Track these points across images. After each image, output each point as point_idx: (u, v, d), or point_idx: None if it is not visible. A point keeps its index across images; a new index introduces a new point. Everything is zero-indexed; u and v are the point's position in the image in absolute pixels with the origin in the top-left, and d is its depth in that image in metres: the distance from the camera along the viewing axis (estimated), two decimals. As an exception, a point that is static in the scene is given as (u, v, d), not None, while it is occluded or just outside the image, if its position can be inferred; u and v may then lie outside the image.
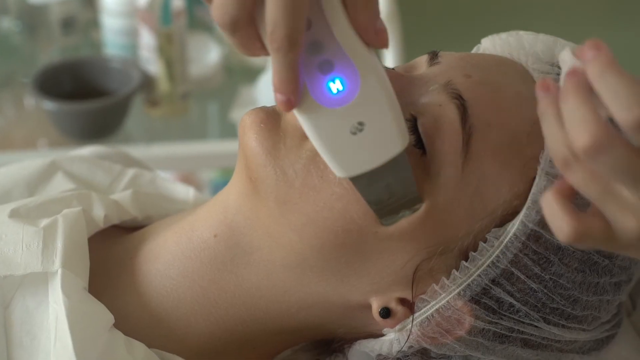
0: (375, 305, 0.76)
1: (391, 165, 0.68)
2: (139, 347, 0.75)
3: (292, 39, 0.61)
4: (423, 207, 0.73)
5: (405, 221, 0.73)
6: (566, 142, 0.59)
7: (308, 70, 0.66)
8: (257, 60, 1.93)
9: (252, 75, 1.89)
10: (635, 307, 0.91)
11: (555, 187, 0.61)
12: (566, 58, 0.64)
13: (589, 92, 0.58)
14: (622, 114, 0.57)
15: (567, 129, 0.59)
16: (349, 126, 0.66)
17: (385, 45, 0.66)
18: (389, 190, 0.71)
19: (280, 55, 0.62)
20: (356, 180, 0.70)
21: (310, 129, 0.67)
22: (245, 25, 0.63)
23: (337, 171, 0.68)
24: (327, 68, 0.66)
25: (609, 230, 0.60)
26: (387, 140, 0.67)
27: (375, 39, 0.65)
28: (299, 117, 0.67)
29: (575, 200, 0.61)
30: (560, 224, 0.61)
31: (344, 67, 0.66)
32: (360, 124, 0.66)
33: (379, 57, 0.67)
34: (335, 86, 0.66)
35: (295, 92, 0.64)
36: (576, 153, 0.59)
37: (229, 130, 1.84)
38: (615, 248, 0.62)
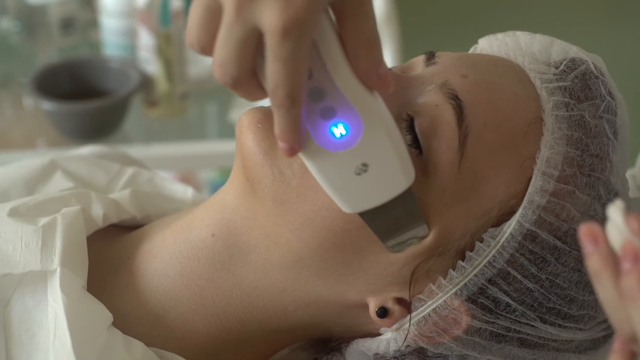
0: (373, 305, 0.76)
1: (397, 201, 0.69)
2: (138, 346, 0.76)
3: (294, 96, 0.62)
4: (431, 236, 0.74)
5: (413, 248, 0.74)
6: (631, 322, 0.59)
7: (310, 116, 0.66)
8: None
9: (250, 75, 1.89)
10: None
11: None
12: (615, 218, 0.62)
13: None
14: None
15: (628, 310, 0.58)
16: (353, 168, 0.67)
17: (388, 89, 0.66)
18: (397, 223, 0.72)
19: (282, 112, 0.63)
20: (363, 214, 0.70)
21: (315, 171, 0.68)
22: (247, 81, 0.63)
23: (344, 208, 0.69)
24: (329, 114, 0.66)
25: None
26: (392, 179, 0.68)
27: (377, 84, 0.65)
28: (304, 160, 0.68)
29: None
30: None
31: (345, 113, 0.66)
32: (365, 165, 0.67)
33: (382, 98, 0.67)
34: (339, 130, 0.67)
35: (297, 141, 0.65)
36: None
37: (228, 131, 1.84)
38: None
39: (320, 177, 0.68)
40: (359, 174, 0.68)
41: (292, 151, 0.65)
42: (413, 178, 0.69)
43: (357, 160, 0.67)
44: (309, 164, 0.68)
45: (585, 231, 0.60)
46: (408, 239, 0.73)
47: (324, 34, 0.63)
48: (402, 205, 0.70)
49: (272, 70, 0.61)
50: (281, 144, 0.65)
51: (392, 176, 0.68)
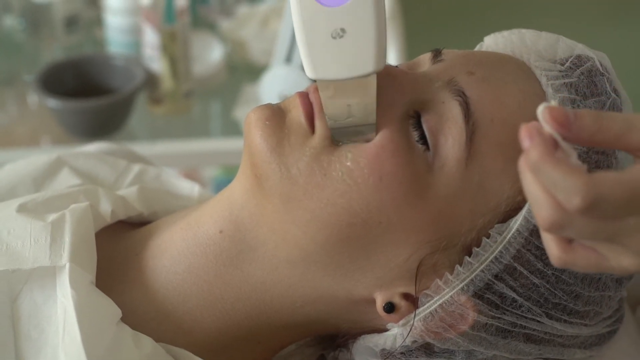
0: (379, 300, 0.77)
1: (358, 85, 0.70)
2: (147, 341, 0.76)
3: None
4: (376, 139, 0.74)
5: (355, 151, 0.74)
6: (554, 207, 0.59)
7: None
8: (260, 58, 1.93)
9: (255, 73, 1.89)
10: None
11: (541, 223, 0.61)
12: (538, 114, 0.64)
13: (555, 154, 0.59)
14: (564, 204, 0.58)
15: (554, 195, 0.59)
16: (331, 29, 0.68)
17: None
18: (349, 110, 0.72)
19: None
20: (323, 86, 0.71)
21: (297, 16, 0.69)
22: None
23: (307, 69, 0.70)
24: None
25: (601, 261, 0.62)
26: (363, 57, 0.69)
27: None
28: (291, 1, 0.69)
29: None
30: (549, 251, 0.63)
31: None
32: (343, 30, 0.68)
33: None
34: None
35: None
36: (570, 215, 0.59)
37: (232, 128, 1.84)
38: (607, 272, 0.64)
39: (300, 24, 0.69)
40: (334, 38, 0.68)
41: None
42: (382, 66, 0.70)
43: (337, 23, 0.68)
44: (293, 4, 0.69)
45: (523, 130, 0.60)
46: (353, 135, 0.74)
47: None
48: (361, 95, 0.71)
49: None
50: None
51: (364, 53, 0.69)
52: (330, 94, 0.72)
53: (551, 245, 0.62)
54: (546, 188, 0.59)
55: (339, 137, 0.74)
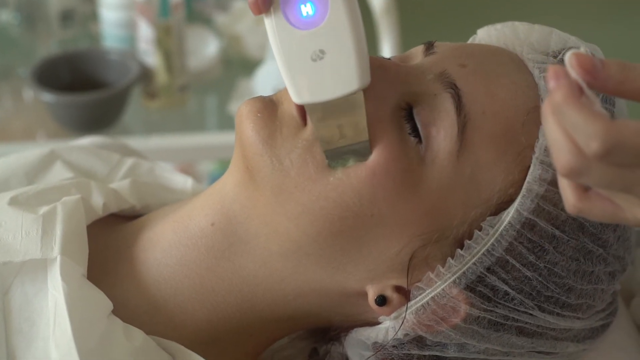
0: (371, 293, 0.77)
1: (346, 104, 0.69)
2: (138, 334, 0.76)
3: None
4: (371, 159, 0.73)
5: (354, 173, 0.73)
6: (574, 151, 0.59)
7: None
8: (255, 53, 1.93)
9: (250, 67, 1.90)
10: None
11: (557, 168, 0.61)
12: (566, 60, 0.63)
13: (579, 98, 0.59)
14: (583, 148, 0.58)
15: (574, 139, 0.59)
16: (310, 52, 0.68)
17: None
18: (341, 131, 0.72)
19: None
20: (311, 110, 0.71)
21: (274, 42, 0.69)
22: None
23: (293, 95, 0.70)
24: None
25: (617, 212, 0.61)
26: (345, 76, 0.68)
27: None
28: (267, 28, 0.69)
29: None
30: (565, 198, 0.63)
31: None
32: (322, 52, 0.68)
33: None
34: (306, 9, 0.68)
35: None
36: (588, 160, 0.59)
37: (227, 122, 1.84)
38: (621, 223, 0.63)
39: (278, 51, 0.69)
40: (314, 60, 0.68)
41: (257, 7, 0.67)
42: (367, 82, 0.69)
43: (315, 45, 0.68)
44: (270, 32, 0.69)
45: (550, 71, 0.60)
46: (348, 155, 0.73)
47: None
48: (350, 113, 0.71)
49: None
50: None
51: (346, 72, 0.68)
52: (319, 116, 0.71)
53: (567, 192, 0.62)
54: (567, 131, 0.58)
55: (333, 160, 0.74)
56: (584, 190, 0.62)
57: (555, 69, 0.59)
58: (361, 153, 0.73)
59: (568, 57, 0.60)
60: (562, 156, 0.59)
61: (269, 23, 0.69)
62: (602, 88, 0.59)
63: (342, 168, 0.73)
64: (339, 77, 0.68)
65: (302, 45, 0.68)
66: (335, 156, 0.73)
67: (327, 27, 0.67)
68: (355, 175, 0.73)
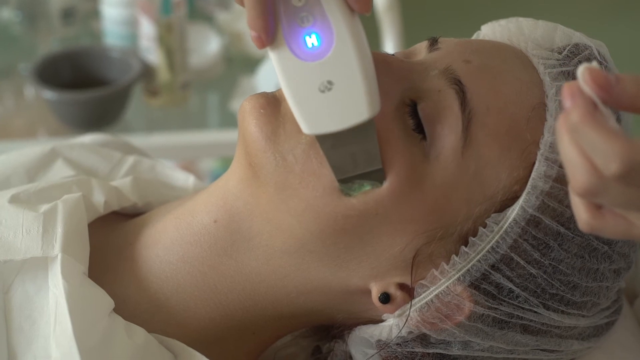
0: (375, 291, 0.76)
1: (357, 133, 0.69)
2: (139, 332, 0.76)
3: None
4: (386, 185, 0.73)
5: (370, 196, 0.73)
6: (591, 171, 0.58)
7: (287, 19, 0.67)
8: (257, 51, 1.93)
9: (251, 65, 1.89)
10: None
11: (572, 184, 0.60)
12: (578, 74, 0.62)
13: (596, 116, 0.58)
14: (601, 169, 0.57)
15: (591, 159, 0.58)
16: (318, 83, 0.67)
17: (365, 10, 0.66)
18: (353, 159, 0.71)
19: None
20: (321, 139, 0.70)
21: (281, 75, 0.68)
22: None
23: (303, 126, 0.69)
24: (306, 22, 0.67)
25: (630, 228, 0.60)
26: (355, 105, 0.68)
27: (356, 2, 0.66)
28: (273, 61, 0.68)
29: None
30: (578, 216, 0.62)
31: (321, 24, 0.67)
32: (330, 82, 0.67)
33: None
34: (311, 40, 0.67)
35: (265, 30, 0.66)
36: (606, 181, 0.58)
37: (229, 120, 1.84)
38: (634, 239, 0.62)
39: (285, 84, 0.68)
40: (322, 92, 0.68)
41: (260, 41, 0.67)
42: (377, 110, 0.69)
43: (323, 76, 0.67)
44: (276, 65, 0.68)
45: (566, 88, 0.59)
46: (362, 182, 0.73)
47: None
48: (362, 141, 0.70)
49: None
50: (251, 32, 0.66)
51: (355, 102, 0.68)
52: (330, 145, 0.71)
53: (580, 209, 0.61)
54: (584, 151, 0.58)
55: (347, 187, 0.73)
56: (597, 207, 0.61)
57: (570, 87, 0.58)
58: (376, 179, 0.73)
59: (581, 72, 0.58)
60: (578, 176, 0.58)
61: (275, 56, 0.68)
62: (616, 104, 0.58)
63: (357, 194, 0.73)
64: (349, 107, 0.68)
65: (310, 77, 0.68)
66: (348, 182, 0.73)
67: (334, 57, 0.67)
68: (371, 197, 0.73)
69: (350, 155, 0.71)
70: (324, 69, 0.67)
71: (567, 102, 0.58)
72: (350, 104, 0.68)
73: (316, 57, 0.67)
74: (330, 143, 0.70)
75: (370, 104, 0.68)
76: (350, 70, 0.67)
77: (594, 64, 0.59)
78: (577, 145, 0.58)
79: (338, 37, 0.66)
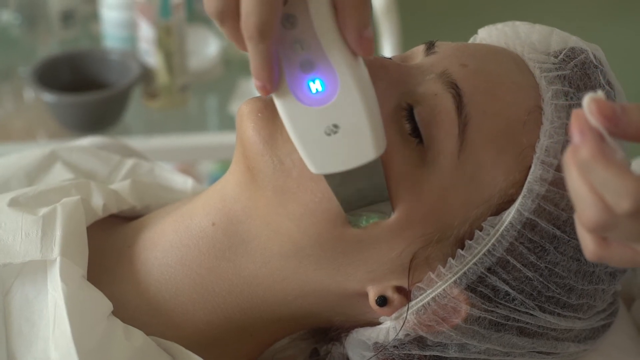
0: (372, 294, 0.77)
1: (364, 170, 0.69)
2: (138, 335, 0.76)
3: (263, 29, 0.63)
4: (394, 217, 0.73)
5: (375, 227, 0.74)
6: (602, 208, 0.57)
7: (290, 66, 0.67)
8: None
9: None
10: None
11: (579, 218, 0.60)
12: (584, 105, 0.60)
13: (606, 152, 0.57)
14: (612, 206, 0.57)
15: (602, 196, 0.57)
16: (323, 127, 0.67)
17: (368, 54, 0.66)
18: (361, 194, 0.72)
19: (252, 45, 0.64)
20: (329, 178, 0.71)
21: (286, 121, 0.68)
22: (232, 18, 0.64)
23: (310, 166, 0.69)
24: (308, 67, 0.67)
25: (636, 257, 0.60)
26: (361, 146, 0.68)
27: (359, 46, 0.66)
28: (278, 108, 0.68)
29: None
30: (585, 246, 0.61)
31: (324, 69, 0.66)
32: (335, 126, 0.67)
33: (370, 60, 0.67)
34: (315, 86, 0.67)
35: (269, 80, 0.66)
36: (617, 217, 0.57)
37: (228, 123, 1.84)
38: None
39: (291, 129, 0.68)
40: (329, 135, 0.68)
41: (265, 90, 0.66)
42: (383, 149, 0.69)
43: (328, 120, 0.67)
44: (281, 112, 0.68)
45: (574, 123, 0.58)
46: (370, 215, 0.73)
47: None
48: (369, 177, 0.71)
49: (245, 0, 0.62)
50: (255, 82, 0.66)
51: (362, 143, 0.68)
52: (338, 182, 0.71)
53: (587, 240, 0.61)
54: (594, 187, 0.57)
55: (355, 219, 0.74)
56: (603, 238, 0.60)
57: (578, 121, 0.57)
58: (383, 211, 0.73)
59: (587, 103, 0.57)
60: (588, 212, 0.58)
61: (279, 103, 0.68)
62: (623, 135, 0.58)
63: (365, 226, 0.74)
64: (356, 148, 0.68)
65: (315, 122, 0.68)
66: (356, 215, 0.73)
67: (339, 102, 0.67)
68: (380, 226, 0.74)
69: (358, 191, 0.72)
70: (329, 114, 0.67)
71: (576, 137, 0.57)
72: (357, 145, 0.68)
73: (321, 102, 0.67)
74: (338, 180, 0.71)
75: (377, 144, 0.68)
76: (356, 114, 0.67)
77: (599, 93, 0.58)
78: (587, 182, 0.57)
79: (342, 83, 0.66)
